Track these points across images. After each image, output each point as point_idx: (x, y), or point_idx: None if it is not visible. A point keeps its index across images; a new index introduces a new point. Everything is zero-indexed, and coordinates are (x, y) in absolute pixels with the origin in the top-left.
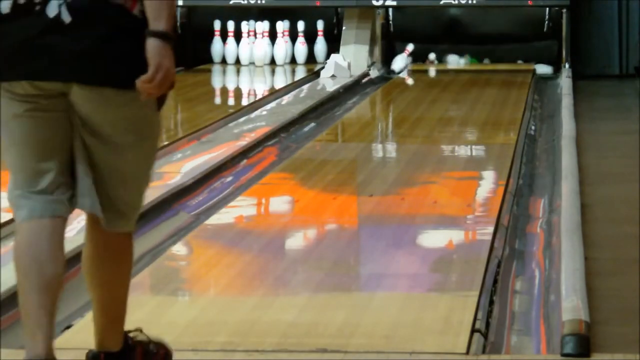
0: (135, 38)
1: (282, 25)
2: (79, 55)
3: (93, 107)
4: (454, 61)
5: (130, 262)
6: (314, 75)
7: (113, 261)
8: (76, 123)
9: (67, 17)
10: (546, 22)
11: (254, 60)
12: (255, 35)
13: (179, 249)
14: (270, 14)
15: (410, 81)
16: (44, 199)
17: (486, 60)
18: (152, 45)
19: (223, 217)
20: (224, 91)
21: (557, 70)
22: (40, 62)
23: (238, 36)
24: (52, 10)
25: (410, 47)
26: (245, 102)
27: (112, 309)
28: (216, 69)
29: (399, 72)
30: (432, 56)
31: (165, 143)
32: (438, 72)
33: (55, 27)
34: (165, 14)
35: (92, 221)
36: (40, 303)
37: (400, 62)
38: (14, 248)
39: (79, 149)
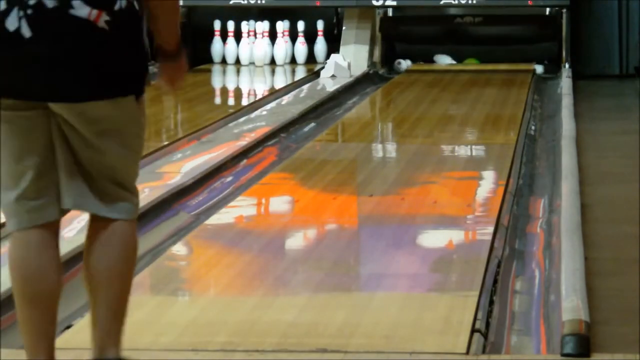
0: (101, 51)
1: (282, 25)
2: (41, 73)
3: (68, 117)
4: (443, 61)
5: (134, 257)
6: (314, 75)
7: (116, 256)
8: (56, 122)
9: (27, 32)
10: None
11: (254, 60)
12: (255, 35)
13: (179, 249)
14: (270, 14)
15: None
16: (28, 206)
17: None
18: (162, 67)
19: (223, 217)
20: (224, 91)
21: (549, 69)
22: (3, 79)
23: (238, 36)
24: (11, 24)
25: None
26: (245, 102)
27: (115, 306)
28: (216, 69)
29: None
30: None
31: (165, 143)
32: (438, 72)
33: (15, 42)
34: (175, 34)
35: (93, 216)
36: (35, 316)
37: (399, 66)
38: (8, 260)
39: (59, 148)
